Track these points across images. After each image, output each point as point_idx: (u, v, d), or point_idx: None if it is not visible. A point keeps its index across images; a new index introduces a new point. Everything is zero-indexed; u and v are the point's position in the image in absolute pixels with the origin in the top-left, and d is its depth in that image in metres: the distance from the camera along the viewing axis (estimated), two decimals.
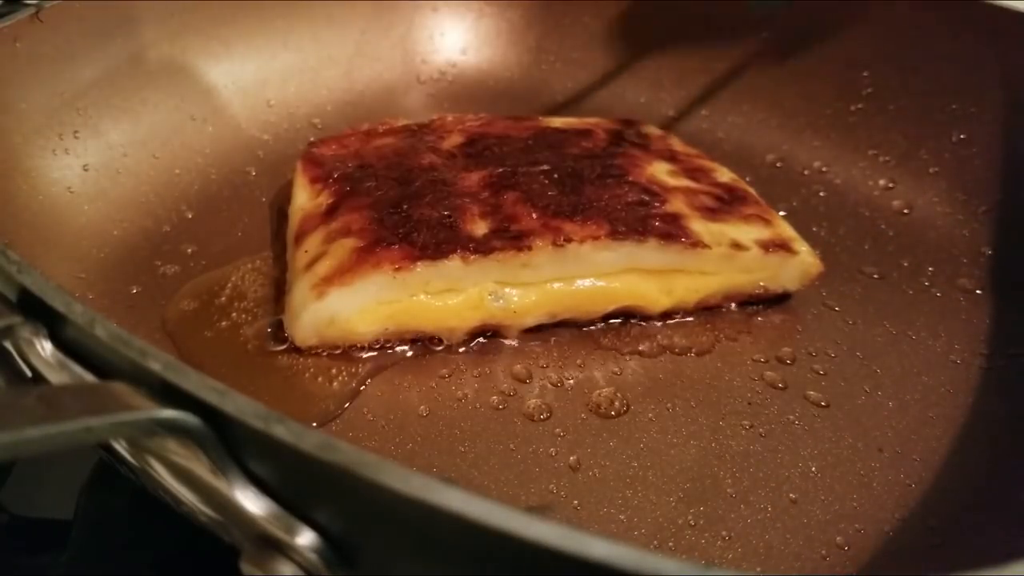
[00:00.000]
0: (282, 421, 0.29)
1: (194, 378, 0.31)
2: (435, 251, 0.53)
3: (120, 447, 0.38)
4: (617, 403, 0.53)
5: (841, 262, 0.67)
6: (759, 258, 0.59)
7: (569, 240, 0.55)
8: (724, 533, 0.46)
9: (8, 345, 0.35)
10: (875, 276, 0.66)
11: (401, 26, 0.85)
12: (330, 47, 0.81)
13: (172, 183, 0.67)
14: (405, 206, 0.57)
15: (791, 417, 0.53)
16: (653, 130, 0.72)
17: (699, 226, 0.58)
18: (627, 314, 0.59)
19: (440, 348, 0.56)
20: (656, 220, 0.57)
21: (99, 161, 0.63)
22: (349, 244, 0.55)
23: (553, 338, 0.58)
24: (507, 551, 0.27)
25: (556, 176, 0.60)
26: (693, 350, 0.58)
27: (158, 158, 0.67)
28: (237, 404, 0.30)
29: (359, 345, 0.55)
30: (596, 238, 0.55)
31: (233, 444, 0.31)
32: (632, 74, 0.86)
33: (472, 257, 0.53)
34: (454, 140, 0.65)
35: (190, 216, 0.65)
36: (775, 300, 0.62)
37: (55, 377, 0.35)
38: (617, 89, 0.85)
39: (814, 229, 0.71)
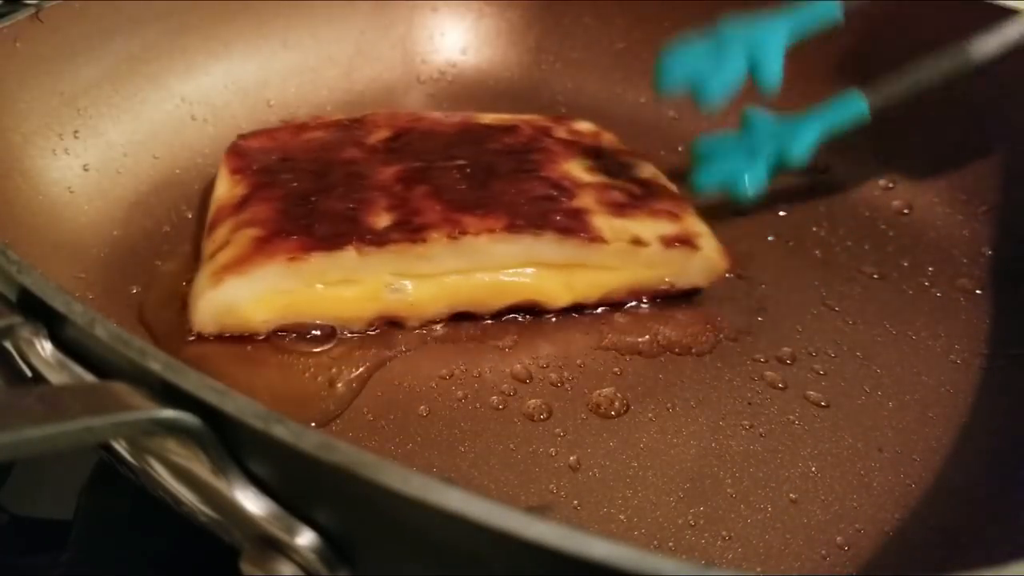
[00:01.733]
0: (282, 421, 0.29)
1: (193, 378, 0.31)
2: (331, 242, 0.54)
3: (120, 447, 0.39)
4: (617, 403, 0.53)
5: (841, 262, 0.67)
6: (660, 253, 0.59)
7: (465, 232, 0.55)
8: (724, 533, 0.46)
9: (8, 345, 0.35)
10: (875, 276, 0.66)
11: (401, 26, 0.85)
12: (330, 47, 0.81)
13: (172, 183, 0.67)
14: (313, 198, 0.58)
15: (791, 417, 0.53)
16: (586, 126, 0.72)
17: (601, 221, 0.58)
18: (529, 309, 0.59)
19: (440, 348, 0.56)
20: (558, 215, 0.57)
21: (99, 161, 0.63)
22: (250, 234, 0.55)
23: (553, 338, 0.58)
24: (507, 551, 0.27)
25: (469, 171, 0.61)
26: (693, 350, 0.58)
27: (158, 158, 0.67)
28: (237, 404, 0.30)
29: (259, 333, 0.56)
30: (492, 231, 0.55)
31: (233, 444, 0.31)
32: (632, 74, 0.85)
33: (367, 248, 0.54)
34: (381, 135, 0.66)
35: (190, 216, 0.65)
36: (686, 295, 0.61)
37: (55, 377, 0.35)
38: (617, 89, 0.85)
39: (814, 229, 0.71)
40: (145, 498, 0.49)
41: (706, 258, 0.60)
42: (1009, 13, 0.67)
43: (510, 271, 0.57)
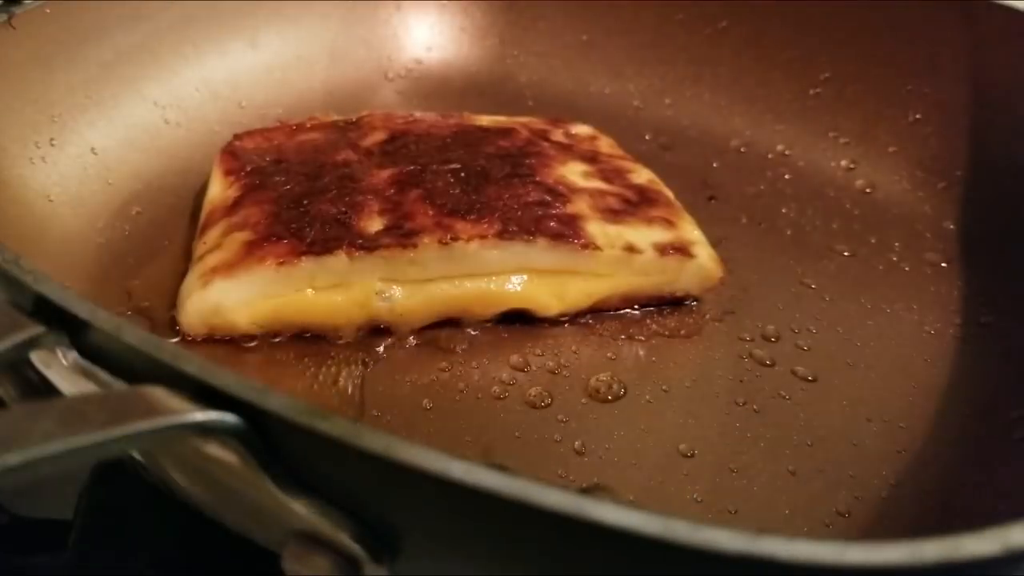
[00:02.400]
0: (327, 417, 0.29)
1: (233, 379, 0.31)
2: (321, 247, 0.54)
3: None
4: (615, 387, 0.54)
5: (813, 241, 0.69)
6: (654, 261, 0.58)
7: (456, 238, 0.55)
8: (730, 508, 0.48)
9: (33, 356, 0.34)
10: (846, 254, 0.68)
11: (366, 24, 0.85)
12: (298, 47, 0.80)
13: (151, 188, 0.66)
14: (306, 202, 0.58)
15: (782, 392, 0.55)
16: (584, 130, 0.72)
17: (595, 228, 0.58)
18: (519, 316, 0.59)
19: (439, 342, 0.57)
20: (552, 221, 0.57)
21: (77, 168, 0.62)
22: (241, 238, 0.55)
23: (544, 327, 0.59)
24: (559, 536, 0.28)
25: (463, 175, 0.61)
26: (682, 332, 0.59)
27: (135, 164, 0.66)
28: (280, 402, 0.30)
29: (246, 336, 0.56)
30: (484, 237, 0.55)
31: (274, 443, 0.31)
32: (596, 66, 0.86)
33: (357, 253, 0.54)
34: (376, 137, 0.66)
35: (171, 219, 0.65)
36: (678, 302, 0.62)
37: (81, 386, 0.34)
38: (582, 80, 0.86)
39: (784, 211, 0.73)
40: (146, 498, 0.49)
41: (700, 266, 0.59)
42: (1010, 13, 0.69)
43: (501, 279, 0.57)
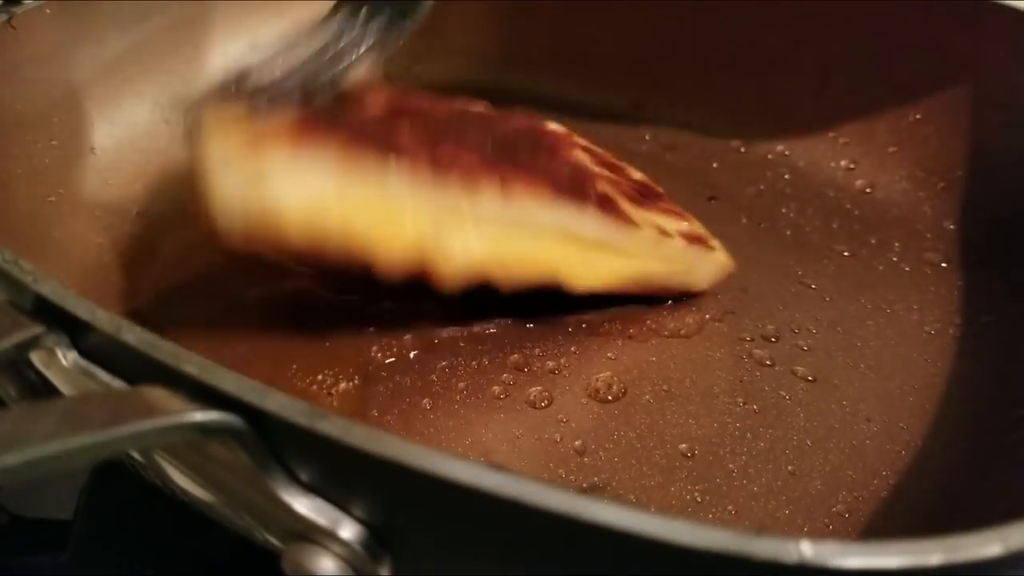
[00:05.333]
0: (326, 417, 0.29)
1: (232, 379, 0.31)
2: (384, 146, 0.49)
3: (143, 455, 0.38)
4: (615, 387, 0.54)
5: (813, 241, 0.69)
6: (681, 249, 0.59)
7: (515, 185, 0.52)
8: (730, 508, 0.48)
9: (32, 356, 0.35)
10: (846, 254, 0.68)
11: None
12: None
13: (151, 188, 0.66)
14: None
15: (782, 392, 0.55)
16: (558, 128, 0.71)
17: (628, 208, 0.58)
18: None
19: (439, 342, 0.57)
20: (594, 192, 0.56)
21: (77, 169, 0.62)
22: (289, 120, 0.48)
23: (543, 328, 0.59)
24: (561, 537, 0.28)
25: (489, 147, 0.55)
26: (682, 332, 0.59)
27: (136, 163, 0.66)
28: (280, 402, 0.30)
29: (289, 250, 0.49)
30: (541, 193, 0.53)
31: (273, 442, 0.31)
32: (595, 66, 0.87)
33: (421, 167, 0.50)
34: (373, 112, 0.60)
35: (173, 220, 0.65)
36: (683, 296, 0.62)
37: (82, 386, 0.34)
38: (582, 80, 0.86)
39: (783, 211, 0.73)
40: (146, 498, 0.49)
41: (717, 259, 0.60)
42: (1010, 13, 0.69)
43: (543, 242, 0.54)
